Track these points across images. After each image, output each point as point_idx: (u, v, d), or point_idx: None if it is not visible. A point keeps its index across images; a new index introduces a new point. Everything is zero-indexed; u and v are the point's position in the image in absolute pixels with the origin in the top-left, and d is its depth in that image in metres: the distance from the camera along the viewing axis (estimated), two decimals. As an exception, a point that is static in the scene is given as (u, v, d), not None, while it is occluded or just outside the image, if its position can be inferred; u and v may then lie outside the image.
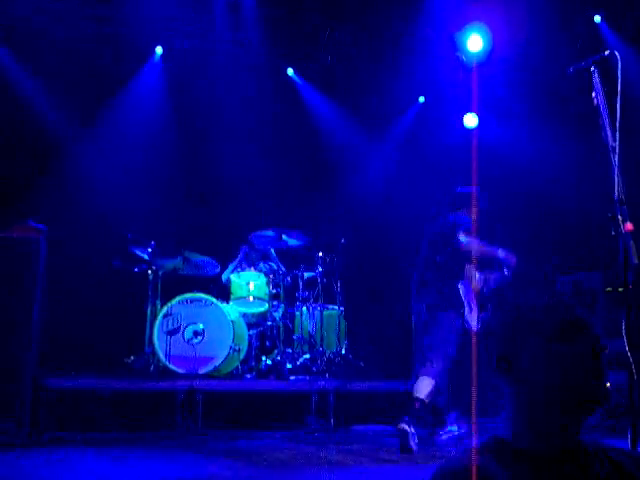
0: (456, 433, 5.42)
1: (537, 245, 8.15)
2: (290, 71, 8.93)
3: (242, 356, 6.42)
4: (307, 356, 6.85)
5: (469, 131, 8.81)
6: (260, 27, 8.00)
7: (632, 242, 2.93)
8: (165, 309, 6.32)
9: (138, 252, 6.61)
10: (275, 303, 6.92)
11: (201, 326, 6.29)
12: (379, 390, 6.42)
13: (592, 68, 3.46)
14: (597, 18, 7.75)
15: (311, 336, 7.00)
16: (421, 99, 9.24)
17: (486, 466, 1.39)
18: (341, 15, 7.97)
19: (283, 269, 7.28)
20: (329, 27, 8.17)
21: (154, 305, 6.52)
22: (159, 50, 8.21)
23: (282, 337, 6.90)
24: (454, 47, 7.77)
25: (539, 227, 8.29)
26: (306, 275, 7.15)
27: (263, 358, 6.66)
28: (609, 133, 3.20)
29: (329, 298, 7.35)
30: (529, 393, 1.46)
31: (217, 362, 6.17)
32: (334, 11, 7.88)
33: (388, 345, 7.69)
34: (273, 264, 7.26)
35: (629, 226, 2.92)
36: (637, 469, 1.44)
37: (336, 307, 7.28)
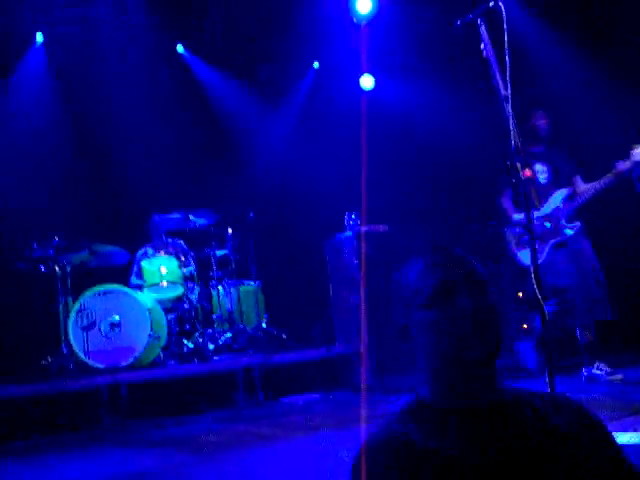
0: None
1: (443, 199, 8.31)
2: (180, 48, 8.70)
3: (163, 343, 6.30)
4: (228, 335, 6.80)
5: (366, 92, 8.86)
6: (145, 6, 7.75)
7: (533, 188, 3.01)
8: (77, 305, 6.11)
9: (41, 250, 6.35)
10: (190, 285, 6.80)
11: (117, 318, 6.12)
12: (303, 359, 6.45)
13: (478, 20, 3.50)
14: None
15: (230, 314, 6.94)
16: (316, 64, 9.18)
17: (409, 430, 1.40)
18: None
19: (194, 250, 7.15)
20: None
21: (65, 302, 6.28)
22: (39, 37, 7.83)
23: (201, 318, 6.80)
24: (345, 9, 7.75)
25: (443, 181, 8.43)
26: (218, 253, 7.06)
27: (184, 342, 6.56)
28: (500, 83, 3.26)
29: (244, 274, 7.30)
30: (426, 358, 1.48)
31: (137, 352, 6.02)
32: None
33: (308, 314, 7.72)
34: (183, 246, 7.12)
35: (527, 172, 2.99)
36: (559, 412, 1.46)
37: (252, 282, 7.24)
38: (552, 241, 5.42)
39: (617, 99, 7.01)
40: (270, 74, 8.87)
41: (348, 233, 6.63)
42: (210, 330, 6.79)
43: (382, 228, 6.58)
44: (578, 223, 5.44)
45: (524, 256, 5.47)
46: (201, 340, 6.51)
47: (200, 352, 6.38)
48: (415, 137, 8.30)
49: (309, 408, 5.58)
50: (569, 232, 5.41)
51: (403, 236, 6.65)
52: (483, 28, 3.48)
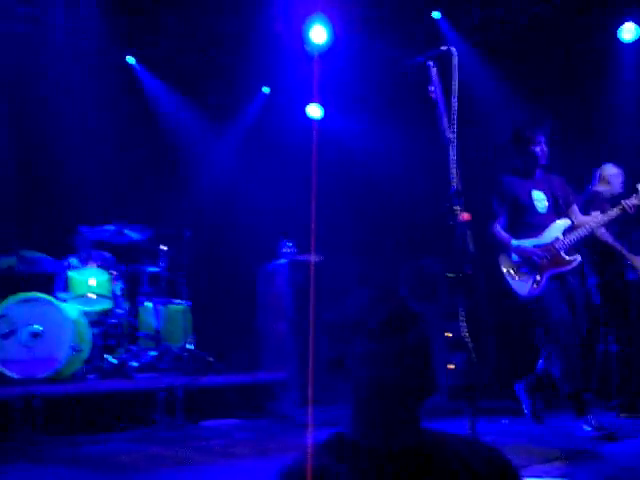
0: None
1: (382, 234, 8.38)
2: (130, 59, 8.60)
3: (85, 356, 6.12)
4: (154, 353, 6.67)
5: (313, 122, 8.90)
6: (97, 13, 7.62)
7: (469, 231, 3.05)
8: (-1, 311, 5.90)
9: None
10: (118, 300, 6.66)
11: (39, 327, 5.92)
12: (228, 384, 6.37)
13: (429, 62, 3.56)
14: (436, 14, 8.03)
15: (157, 332, 6.81)
16: (266, 89, 9.20)
17: (327, 465, 1.39)
18: (183, 1, 7.77)
19: (125, 265, 7.01)
20: (170, 13, 7.95)
21: (-13, 307, 6.06)
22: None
23: (127, 335, 6.66)
24: (299, 38, 7.79)
25: (384, 216, 8.51)
26: (150, 270, 6.95)
27: (107, 357, 6.39)
28: (446, 126, 3.31)
29: (175, 293, 7.19)
30: (359, 391, 1.47)
31: (58, 365, 5.83)
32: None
33: (236, 338, 7.63)
34: (112, 259, 6.97)
35: (466, 216, 3.03)
36: (476, 455, 1.47)
37: (182, 302, 7.13)
38: (549, 273, 5.03)
39: (562, 148, 7.26)
40: (220, 95, 8.84)
41: (282, 260, 6.62)
42: (135, 347, 6.65)
43: (316, 258, 6.58)
44: (578, 257, 5.10)
45: (520, 286, 5.14)
46: (124, 357, 6.36)
47: (123, 369, 6.23)
48: (360, 171, 8.38)
49: (230, 434, 5.49)
50: (568, 265, 5.06)
51: (337, 267, 6.67)
52: (434, 70, 3.55)
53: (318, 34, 7.66)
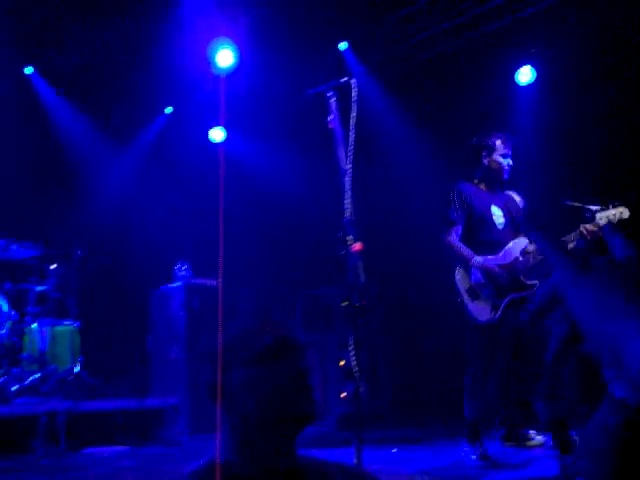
0: None
1: (279, 261, 8.37)
2: (29, 69, 8.30)
3: (-39, 379, 5.79)
4: (37, 376, 6.36)
5: (218, 145, 8.85)
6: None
7: (360, 262, 3.06)
8: None
9: None
10: (1, 319, 6.34)
11: None
12: (115, 409, 6.15)
13: (329, 92, 3.58)
14: (343, 45, 8.15)
15: (42, 354, 6.51)
16: (168, 110, 9.06)
17: None
18: (87, 15, 7.58)
19: (10, 282, 6.69)
20: (75, 27, 7.75)
21: None
22: None
23: (8, 356, 6.33)
24: (204, 60, 7.73)
25: (282, 244, 8.50)
26: (38, 288, 6.65)
27: (-15, 380, 6.06)
28: (343, 156, 3.33)
29: (63, 313, 6.91)
30: (236, 418, 1.47)
31: None
32: (79, 10, 7.48)
33: (127, 362, 7.41)
34: (-1, 277, 6.66)
35: (358, 246, 3.05)
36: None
37: (70, 323, 6.86)
38: (509, 297, 4.64)
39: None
40: (121, 112, 8.65)
41: (177, 284, 6.48)
42: (17, 370, 6.32)
43: (212, 282, 6.49)
44: (537, 282, 4.64)
45: (479, 311, 4.73)
46: (5, 380, 6.04)
47: (2, 393, 5.90)
48: (262, 196, 8.36)
49: (114, 462, 5.29)
50: (529, 290, 4.65)
51: (232, 293, 6.60)
52: (333, 101, 3.57)
53: (224, 57, 7.64)
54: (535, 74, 7.82)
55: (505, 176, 4.89)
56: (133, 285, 7.55)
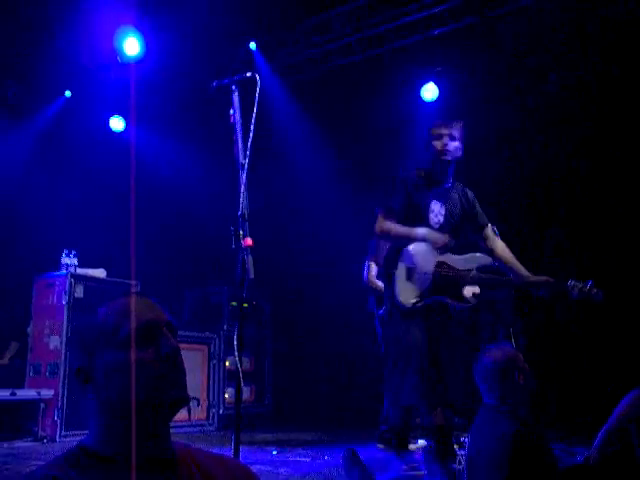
0: None
1: (171, 256, 8.23)
2: None
3: None
4: None
5: (115, 133, 8.63)
6: None
7: (250, 257, 3.03)
8: None
9: None
10: None
11: None
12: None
13: (233, 86, 3.54)
14: (252, 45, 8.15)
15: None
16: (68, 93, 8.76)
17: (64, 476, 1.33)
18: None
19: None
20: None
21: None
22: None
23: None
24: (110, 47, 7.54)
25: (176, 238, 8.37)
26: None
27: None
28: (241, 150, 3.30)
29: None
30: (105, 403, 1.44)
31: None
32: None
33: (3, 350, 7.10)
34: None
35: (248, 241, 3.02)
36: (221, 469, 1.52)
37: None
38: (439, 298, 4.30)
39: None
40: (17, 92, 8.30)
41: (62, 272, 6.25)
42: None
43: (100, 272, 6.30)
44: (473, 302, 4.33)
45: (405, 295, 4.28)
46: None
47: None
48: (160, 188, 8.20)
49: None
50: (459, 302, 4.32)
51: (120, 284, 6.43)
52: (236, 95, 3.53)
53: (131, 46, 7.48)
54: (438, 92, 8.04)
55: (444, 157, 4.37)
56: (16, 271, 7.23)
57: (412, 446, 5.34)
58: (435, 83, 8.01)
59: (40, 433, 5.97)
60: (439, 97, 8.04)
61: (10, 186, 7.84)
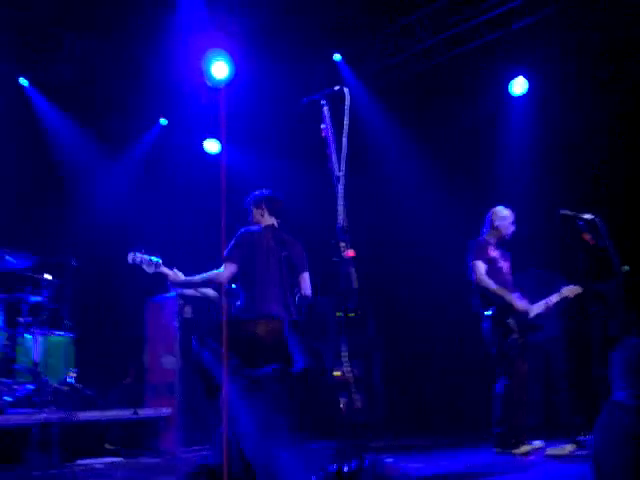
0: None
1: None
2: (24, 80, 8.32)
3: (-46, 390, 5.74)
4: (30, 387, 6.33)
5: (211, 156, 8.87)
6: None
7: (353, 268, 3.07)
8: None
9: None
10: (-6, 330, 6.32)
11: None
12: (109, 420, 6.12)
13: (323, 101, 3.61)
14: (337, 56, 8.23)
15: (35, 365, 6.48)
16: (163, 121, 9.09)
17: None
18: (83, 27, 7.63)
19: (4, 293, 6.67)
20: (69, 38, 7.80)
21: None
22: None
23: (2, 367, 6.29)
24: (198, 72, 7.76)
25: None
26: (32, 299, 6.63)
27: (-22, 391, 6.02)
28: (335, 163, 3.35)
29: (58, 324, 6.89)
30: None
31: None
32: (75, 22, 7.53)
33: (121, 373, 7.40)
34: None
35: (351, 252, 3.05)
36: None
37: (64, 333, 6.85)
38: None
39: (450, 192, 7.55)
40: (116, 124, 8.67)
41: (171, 294, 6.47)
42: (10, 381, 6.28)
43: (208, 292, 6.45)
44: None
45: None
46: (-3, 390, 6.01)
47: (-5, 404, 5.87)
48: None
49: (107, 473, 5.27)
50: None
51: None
52: (326, 109, 3.59)
53: (219, 69, 7.67)
54: (528, 85, 7.88)
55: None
56: (128, 295, 7.53)
57: (526, 447, 5.31)
58: (524, 77, 7.87)
59: (162, 449, 6.19)
60: (528, 91, 7.90)
61: (117, 214, 8.20)
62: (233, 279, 4.75)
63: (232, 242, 4.73)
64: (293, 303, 4.87)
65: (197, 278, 4.79)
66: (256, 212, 5.09)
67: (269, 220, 5.04)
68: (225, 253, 4.68)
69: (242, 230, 4.77)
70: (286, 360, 3.72)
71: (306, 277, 5.10)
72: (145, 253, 4.94)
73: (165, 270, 4.88)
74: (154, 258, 4.90)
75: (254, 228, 4.87)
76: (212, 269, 4.65)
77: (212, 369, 3.85)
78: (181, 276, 4.88)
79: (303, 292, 5.40)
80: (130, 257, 4.88)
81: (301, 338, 3.95)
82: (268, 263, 4.76)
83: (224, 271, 4.62)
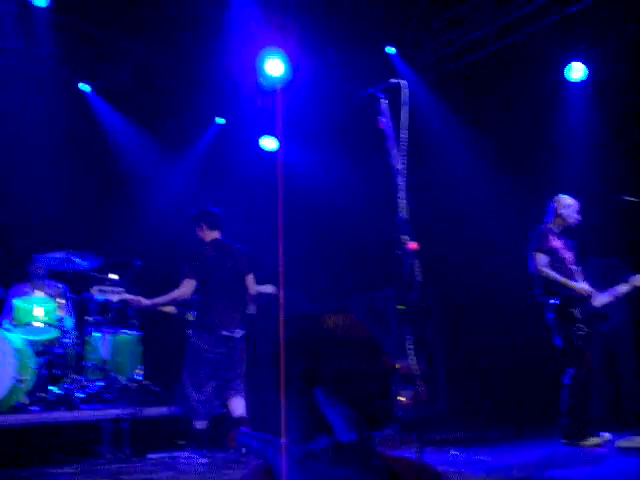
0: None
1: (333, 265, 8.41)
2: (84, 86, 8.54)
3: (29, 387, 5.92)
4: (101, 384, 6.52)
5: (268, 153, 8.95)
6: (52, 39, 7.58)
7: (416, 261, 3.08)
8: (-64, 338, 5.71)
9: None
10: (66, 329, 6.52)
11: (-21, 356, 5.73)
12: (176, 415, 6.24)
13: (380, 94, 3.62)
14: (391, 49, 8.21)
15: (104, 362, 6.66)
16: (220, 121, 9.22)
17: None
18: (139, 32, 7.78)
19: (74, 293, 6.88)
20: (126, 43, 7.97)
21: None
22: None
23: (73, 365, 6.49)
24: (254, 70, 7.84)
25: (336, 247, 8.54)
26: (99, 299, 6.82)
27: (52, 388, 6.23)
28: (395, 156, 3.35)
29: (125, 323, 7.06)
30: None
31: (-2, 395, 5.64)
32: (131, 27, 7.69)
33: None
34: (62, 288, 6.85)
35: (413, 245, 3.06)
36: (409, 472, 1.47)
37: (131, 331, 7.01)
38: None
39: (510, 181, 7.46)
40: (174, 125, 8.83)
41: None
42: (81, 378, 6.48)
43: (269, 288, 6.50)
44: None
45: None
46: (70, 387, 6.20)
47: (68, 400, 6.05)
48: (316, 201, 8.42)
49: (177, 466, 5.37)
50: None
51: (288, 298, 6.64)
52: (384, 102, 3.60)
53: (274, 67, 7.72)
54: (587, 71, 7.73)
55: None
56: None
57: (595, 439, 5.24)
58: (582, 62, 7.72)
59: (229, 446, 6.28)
60: (587, 77, 7.75)
61: (178, 214, 8.34)
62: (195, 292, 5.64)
63: (186, 261, 5.64)
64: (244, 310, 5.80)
65: (161, 299, 5.73)
66: (198, 230, 5.76)
67: (211, 234, 5.64)
68: (183, 271, 5.56)
69: (194, 249, 5.72)
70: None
71: (250, 278, 5.63)
72: (109, 284, 6.02)
73: (128, 297, 5.81)
74: (116, 288, 5.93)
75: (201, 245, 5.75)
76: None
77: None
78: (144, 301, 5.75)
79: (250, 292, 5.71)
80: (95, 291, 5.99)
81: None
82: (215, 276, 5.68)
83: (186, 288, 5.55)
